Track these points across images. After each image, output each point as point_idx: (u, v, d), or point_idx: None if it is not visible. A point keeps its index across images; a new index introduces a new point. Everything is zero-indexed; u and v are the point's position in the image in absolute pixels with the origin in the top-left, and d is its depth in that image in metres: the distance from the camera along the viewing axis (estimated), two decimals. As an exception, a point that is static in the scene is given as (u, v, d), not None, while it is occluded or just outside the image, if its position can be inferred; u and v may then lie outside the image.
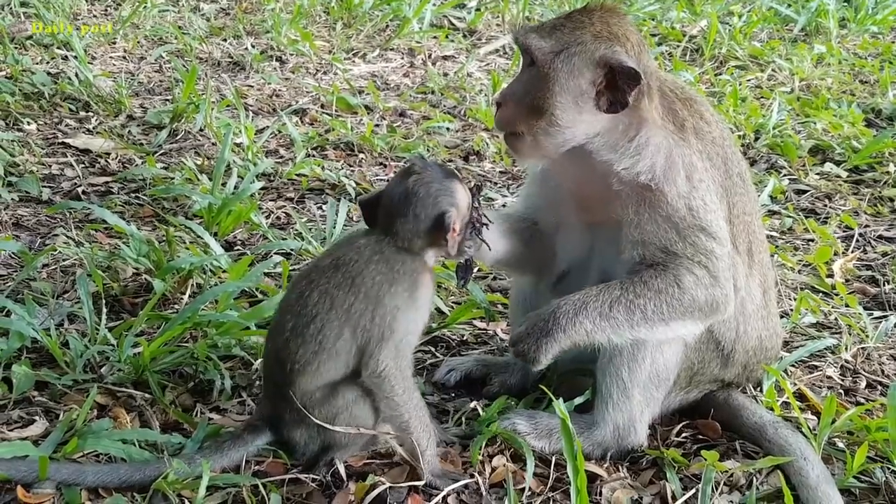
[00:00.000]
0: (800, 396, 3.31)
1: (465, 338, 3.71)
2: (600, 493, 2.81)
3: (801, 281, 4.22)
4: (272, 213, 4.69)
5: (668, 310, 2.81)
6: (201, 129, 5.57)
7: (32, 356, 3.28)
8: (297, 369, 2.66)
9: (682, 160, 2.83)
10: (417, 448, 2.71)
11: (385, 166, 5.33)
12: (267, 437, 2.78)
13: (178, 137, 5.51)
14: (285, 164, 5.23)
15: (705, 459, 2.81)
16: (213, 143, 5.42)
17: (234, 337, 3.34)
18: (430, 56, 7.39)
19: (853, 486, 2.87)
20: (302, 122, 5.99)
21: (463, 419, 3.11)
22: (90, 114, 5.78)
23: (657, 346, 2.90)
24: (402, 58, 7.40)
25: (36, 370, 3.15)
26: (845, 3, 9.22)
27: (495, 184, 5.22)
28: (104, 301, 3.58)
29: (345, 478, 2.73)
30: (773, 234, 4.70)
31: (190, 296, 3.75)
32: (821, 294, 4.13)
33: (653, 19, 8.42)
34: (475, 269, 4.06)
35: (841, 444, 3.06)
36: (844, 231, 4.78)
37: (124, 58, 6.95)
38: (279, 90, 6.49)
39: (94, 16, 7.81)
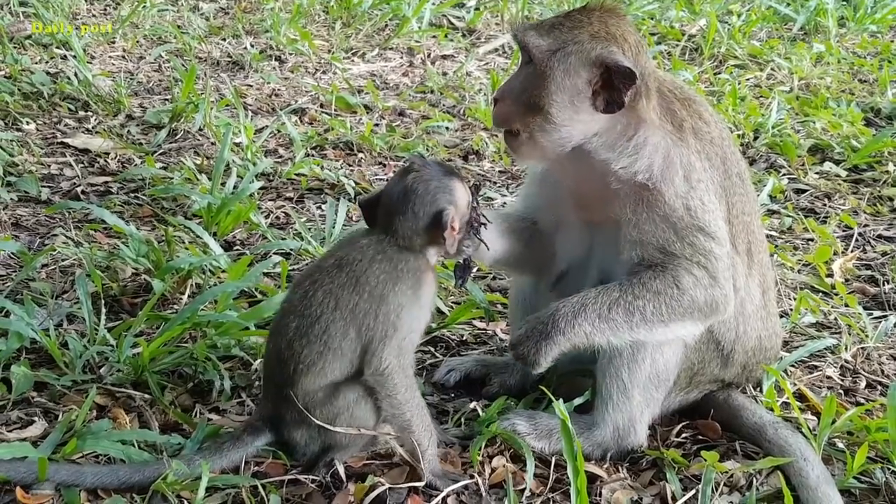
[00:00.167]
0: (800, 397, 3.30)
1: (464, 338, 3.71)
2: (600, 494, 2.81)
3: (801, 281, 4.22)
4: (271, 212, 4.68)
5: (668, 311, 2.81)
6: (200, 129, 5.57)
7: (31, 357, 3.27)
8: (301, 369, 2.66)
9: (679, 160, 2.83)
10: (418, 448, 2.70)
11: (384, 166, 5.33)
12: (267, 438, 2.78)
13: (178, 137, 5.51)
14: (284, 164, 5.23)
15: (705, 460, 2.80)
16: (212, 143, 5.42)
17: (233, 337, 3.33)
18: (429, 55, 7.38)
19: (853, 487, 2.87)
20: (301, 121, 5.99)
21: (462, 419, 3.10)
22: (89, 113, 5.77)
23: (657, 347, 2.89)
24: (402, 57, 7.40)
25: (35, 371, 3.15)
26: (844, 2, 9.22)
27: (494, 183, 5.22)
28: (103, 301, 3.58)
29: (344, 479, 2.72)
30: (773, 233, 4.70)
31: (189, 296, 3.74)
32: (820, 294, 4.13)
33: (652, 18, 8.42)
34: (474, 269, 4.06)
35: (841, 445, 3.05)
36: (844, 230, 4.78)
37: (123, 57, 6.94)
38: (278, 90, 6.49)
39: (94, 15, 7.81)
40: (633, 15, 8.12)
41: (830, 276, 4.28)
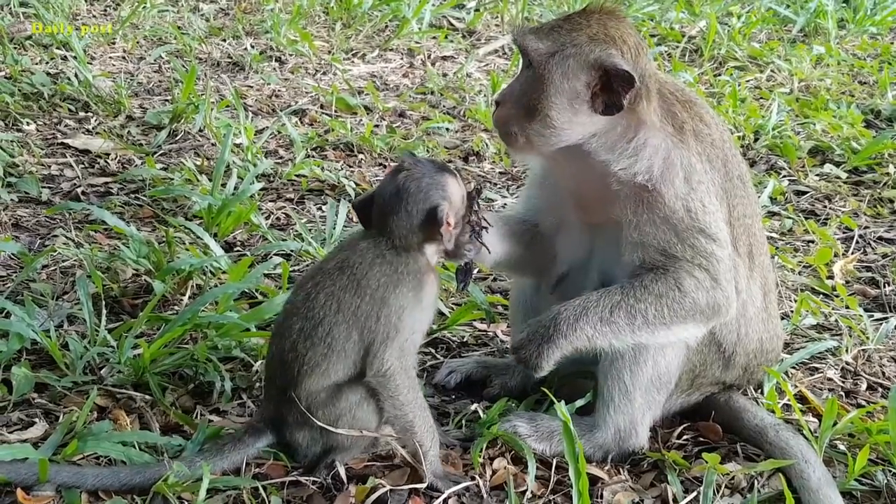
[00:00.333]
0: (801, 398, 3.30)
1: (465, 339, 3.71)
2: (601, 496, 2.80)
3: (802, 282, 4.22)
4: (272, 213, 4.68)
5: (670, 314, 2.81)
6: (201, 130, 5.57)
7: (32, 358, 3.27)
8: (305, 371, 2.66)
9: (680, 161, 2.83)
10: (420, 449, 2.71)
11: (384, 167, 5.33)
12: (268, 440, 2.77)
13: (178, 138, 5.51)
14: (285, 165, 5.22)
15: (706, 462, 2.80)
16: (212, 144, 5.42)
17: (234, 338, 3.33)
18: (429, 56, 7.38)
19: (854, 489, 2.87)
20: (301, 122, 5.98)
21: (463, 421, 3.10)
22: (89, 114, 5.77)
23: (659, 350, 2.89)
24: (402, 58, 7.40)
25: (35, 372, 3.15)
26: (844, 4, 9.22)
27: (495, 184, 5.22)
28: (104, 302, 3.57)
29: (345, 480, 2.72)
30: (773, 235, 4.70)
31: (190, 297, 3.74)
32: (821, 296, 4.13)
33: (652, 20, 8.42)
34: (475, 272, 4.06)
35: (842, 447, 3.05)
36: (844, 232, 4.78)
37: (124, 58, 6.94)
38: (278, 90, 6.49)
39: (94, 16, 7.80)
40: (632, 16, 8.12)
41: (831, 277, 4.28)
